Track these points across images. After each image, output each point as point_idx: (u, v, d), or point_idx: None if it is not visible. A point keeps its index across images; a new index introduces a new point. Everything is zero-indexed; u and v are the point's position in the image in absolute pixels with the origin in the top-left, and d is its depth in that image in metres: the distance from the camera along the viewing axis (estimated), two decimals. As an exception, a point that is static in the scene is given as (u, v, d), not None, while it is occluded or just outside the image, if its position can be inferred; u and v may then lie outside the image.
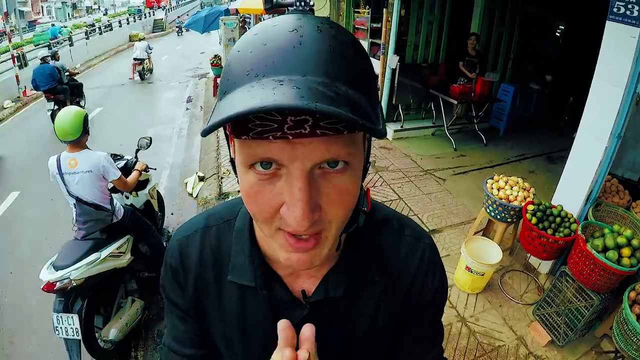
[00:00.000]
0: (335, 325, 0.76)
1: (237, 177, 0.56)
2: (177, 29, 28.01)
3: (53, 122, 7.12)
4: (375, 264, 0.76)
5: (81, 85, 9.47)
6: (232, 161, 0.59)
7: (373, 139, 0.59)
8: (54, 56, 8.75)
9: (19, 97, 11.46)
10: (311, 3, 0.58)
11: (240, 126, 0.47)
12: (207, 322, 0.80)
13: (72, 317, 2.69)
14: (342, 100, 0.43)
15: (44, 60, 8.25)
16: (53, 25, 24.08)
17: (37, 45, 13.02)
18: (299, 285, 0.74)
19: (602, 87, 2.90)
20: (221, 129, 0.53)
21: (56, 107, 8.13)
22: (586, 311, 2.73)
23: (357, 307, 0.76)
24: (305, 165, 0.48)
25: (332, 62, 0.47)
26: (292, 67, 0.45)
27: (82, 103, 9.33)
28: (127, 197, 3.71)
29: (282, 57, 0.46)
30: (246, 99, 0.43)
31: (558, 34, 8.53)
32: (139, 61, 13.33)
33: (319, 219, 0.52)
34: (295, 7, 0.55)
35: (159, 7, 40.84)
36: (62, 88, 8.37)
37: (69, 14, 55.29)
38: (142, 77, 13.29)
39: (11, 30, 12.97)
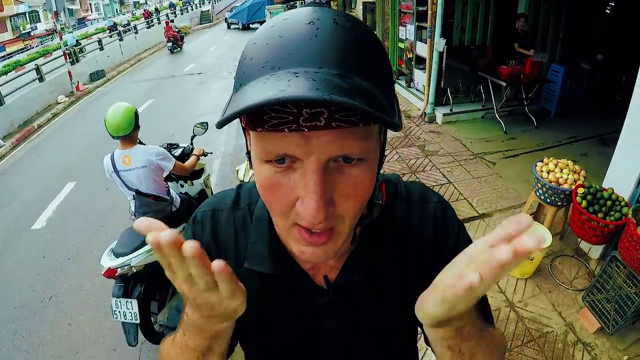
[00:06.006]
0: (366, 309, 0.74)
1: (251, 169, 0.56)
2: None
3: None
4: (395, 239, 0.74)
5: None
6: (249, 154, 0.59)
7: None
8: None
9: (72, 92, 12.06)
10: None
11: (256, 118, 0.47)
12: None
13: (131, 302, 2.78)
14: (357, 92, 0.43)
15: None
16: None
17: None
18: (321, 273, 0.72)
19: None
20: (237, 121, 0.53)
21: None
22: (637, 298, 2.64)
23: (387, 287, 0.74)
24: (321, 159, 0.48)
25: (348, 55, 0.47)
26: (307, 59, 0.45)
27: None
28: (182, 186, 3.74)
29: (297, 49, 0.46)
30: (262, 91, 0.43)
31: (608, 11, 8.13)
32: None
33: (333, 213, 0.52)
34: (312, 0, 0.53)
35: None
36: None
37: (116, 9, 56.98)
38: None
39: (61, 28, 13.44)
